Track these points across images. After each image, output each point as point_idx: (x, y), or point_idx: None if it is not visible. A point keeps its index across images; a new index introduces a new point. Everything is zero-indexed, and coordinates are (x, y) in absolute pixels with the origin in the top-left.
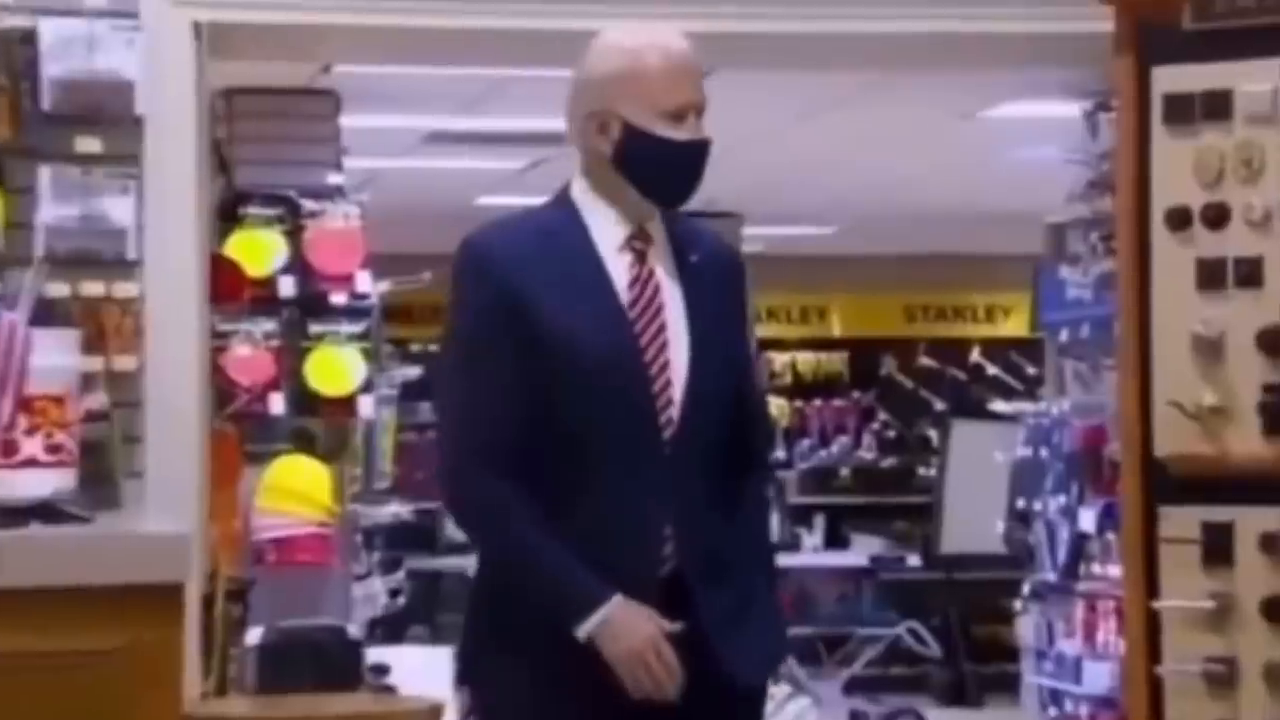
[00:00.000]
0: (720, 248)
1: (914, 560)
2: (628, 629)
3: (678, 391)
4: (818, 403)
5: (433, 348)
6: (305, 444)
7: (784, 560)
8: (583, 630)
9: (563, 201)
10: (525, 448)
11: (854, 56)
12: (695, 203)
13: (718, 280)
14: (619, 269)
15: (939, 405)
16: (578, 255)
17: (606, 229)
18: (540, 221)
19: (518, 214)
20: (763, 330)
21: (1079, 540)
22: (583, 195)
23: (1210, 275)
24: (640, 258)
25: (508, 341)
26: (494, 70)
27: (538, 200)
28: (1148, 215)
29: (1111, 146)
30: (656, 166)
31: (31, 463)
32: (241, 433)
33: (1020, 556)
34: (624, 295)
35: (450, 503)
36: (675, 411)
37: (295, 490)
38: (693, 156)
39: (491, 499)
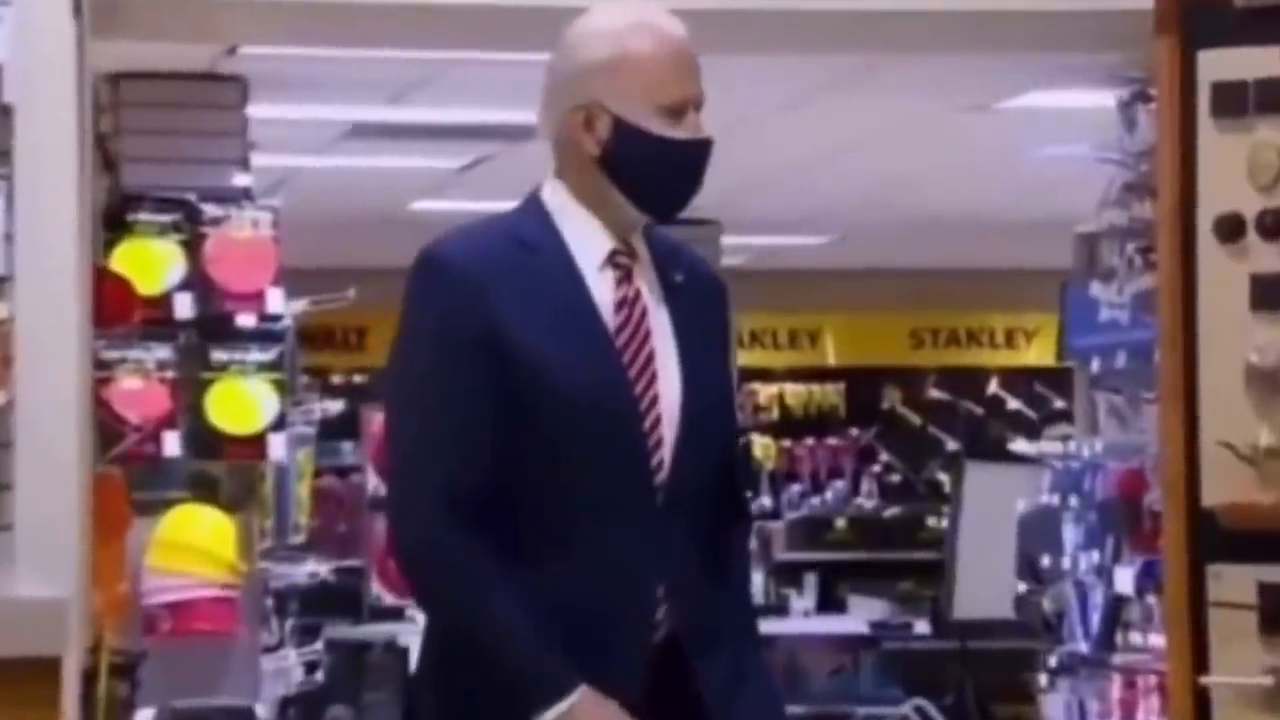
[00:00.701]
0: (702, 266)
1: (922, 627)
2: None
3: (669, 431)
4: (809, 442)
5: (358, 378)
6: (206, 491)
7: (769, 627)
8: (543, 715)
9: (534, 208)
10: (495, 496)
11: (850, 37)
12: None
13: (702, 304)
14: (602, 289)
15: (951, 445)
16: (556, 272)
17: (587, 242)
18: (511, 231)
19: (483, 222)
20: (745, 357)
21: (1115, 604)
22: (559, 202)
23: (1266, 293)
24: (626, 276)
25: (477, 371)
26: (428, 53)
27: (480, 206)
28: (1193, 223)
29: (1151, 143)
30: (651, 170)
31: None
32: (130, 478)
33: (1033, 624)
34: (609, 320)
35: (401, 553)
36: (666, 454)
37: (193, 546)
38: (693, 158)
39: (451, 553)
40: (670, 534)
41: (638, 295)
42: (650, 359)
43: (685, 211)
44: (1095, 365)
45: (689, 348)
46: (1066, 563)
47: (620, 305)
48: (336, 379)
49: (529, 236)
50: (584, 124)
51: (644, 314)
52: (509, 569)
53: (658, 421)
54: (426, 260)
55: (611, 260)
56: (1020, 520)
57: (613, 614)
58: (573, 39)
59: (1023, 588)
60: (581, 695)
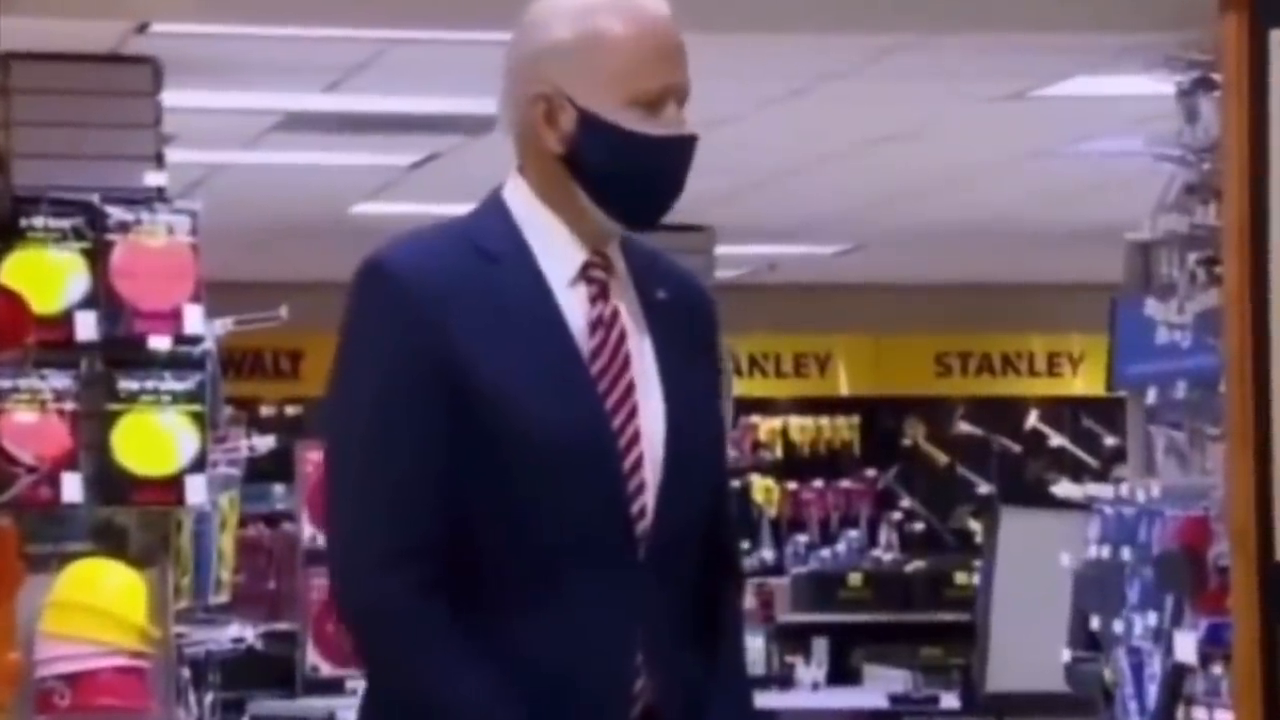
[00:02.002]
0: (688, 280)
1: (950, 701)
2: None
3: (651, 474)
4: (818, 484)
5: (291, 410)
6: (111, 543)
7: (771, 701)
8: None
9: (495, 210)
10: (450, 550)
11: (867, 16)
12: None
13: (688, 325)
14: (574, 307)
15: (983, 488)
16: (521, 287)
17: (556, 252)
18: (469, 237)
19: (438, 226)
20: (743, 386)
21: (1175, 674)
22: (522, 204)
23: None
24: (601, 292)
25: (435, 404)
26: (372, 31)
27: (432, 209)
28: (1265, 230)
29: (1216, 137)
30: (622, 171)
31: None
32: (23, 528)
33: (1091, 698)
34: (582, 344)
35: (345, 614)
36: (649, 500)
37: (96, 607)
38: (673, 159)
39: (402, 615)
40: (652, 592)
41: (615, 315)
42: (630, 390)
43: (671, 217)
44: (1151, 396)
45: (674, 376)
46: (1118, 626)
47: (595, 326)
48: (266, 411)
49: (490, 244)
50: (545, 116)
51: (622, 337)
52: (466, 633)
53: (639, 463)
54: (372, 272)
55: (584, 274)
56: (1076, 574)
57: (585, 684)
58: (535, 16)
59: (1068, 655)
60: None
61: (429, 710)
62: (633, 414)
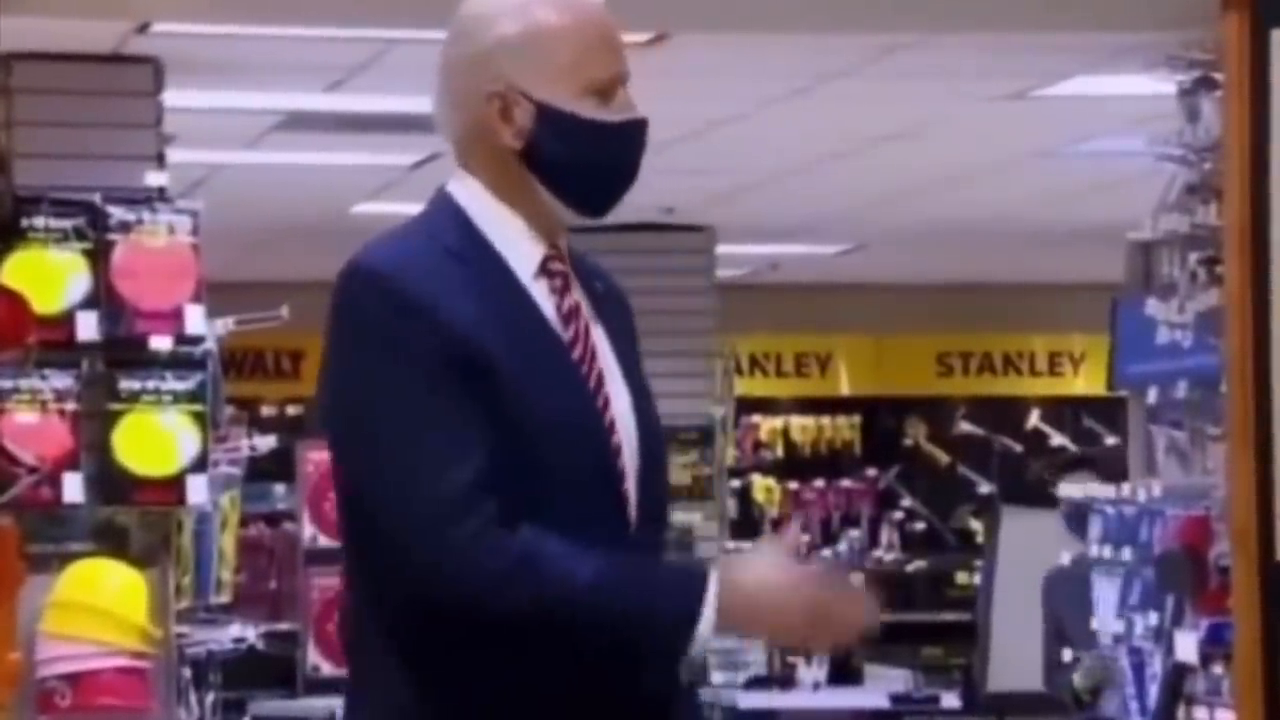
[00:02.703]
0: (610, 275)
1: (951, 701)
2: (760, 584)
3: (630, 460)
4: (819, 484)
5: (292, 410)
6: (113, 543)
7: (773, 701)
8: (706, 619)
9: (448, 212)
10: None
11: (868, 16)
12: (649, 213)
13: (622, 316)
14: (542, 300)
15: (984, 487)
16: (495, 285)
17: (517, 248)
18: (439, 240)
19: (404, 230)
20: (744, 386)
21: (1176, 674)
22: (475, 203)
23: None
24: (564, 285)
25: (469, 392)
26: (374, 31)
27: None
28: (1266, 230)
29: (1217, 136)
30: (584, 160)
31: None
32: (24, 528)
33: (1064, 701)
34: (560, 335)
35: (459, 592)
36: (631, 485)
37: (97, 608)
38: (632, 143)
39: (508, 546)
40: None
41: (579, 307)
42: (602, 379)
43: (672, 217)
44: (1152, 395)
45: (627, 365)
46: (1099, 626)
47: (565, 318)
48: (267, 411)
49: (453, 244)
50: (500, 113)
51: (588, 328)
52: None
53: (619, 449)
54: (369, 278)
55: (544, 268)
56: (1045, 579)
57: (600, 670)
58: (474, 17)
59: (1069, 655)
60: (719, 567)
61: (580, 612)
62: (607, 403)
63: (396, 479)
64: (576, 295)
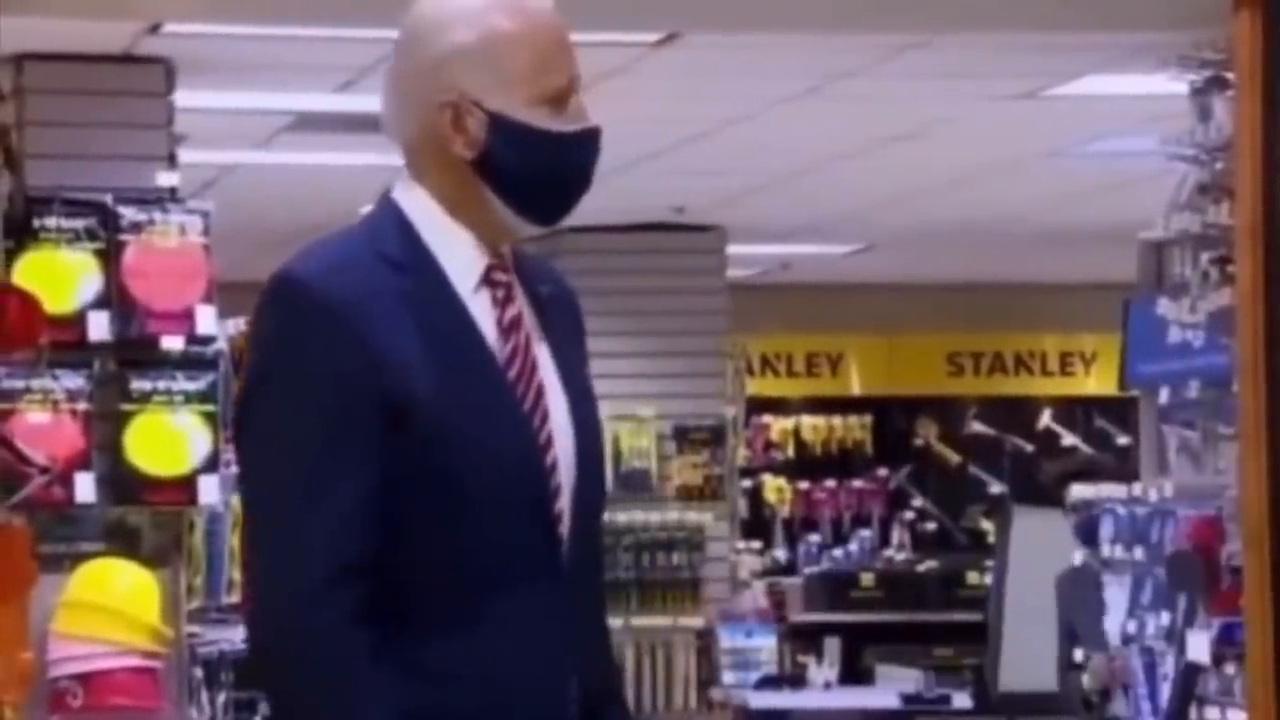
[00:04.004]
0: (558, 275)
1: (962, 701)
2: None
3: (566, 476)
4: (830, 484)
5: None
6: (124, 543)
7: (784, 700)
8: None
9: (391, 219)
10: (378, 568)
11: (879, 15)
12: (659, 214)
13: (568, 320)
14: (482, 313)
15: (995, 487)
16: (431, 296)
17: (460, 259)
18: (372, 247)
19: (340, 237)
20: (755, 386)
21: (1188, 674)
22: (420, 211)
23: None
24: (506, 295)
25: (367, 427)
26: (384, 32)
27: None
28: (1278, 229)
29: (1229, 136)
30: (538, 170)
31: None
32: (36, 528)
33: (1072, 702)
34: (496, 349)
35: (270, 646)
36: (565, 503)
37: (109, 607)
38: (586, 153)
39: (331, 650)
40: (575, 592)
41: (520, 318)
42: (541, 393)
43: (682, 217)
44: (1164, 395)
45: (569, 374)
46: (1108, 627)
47: (506, 331)
48: None
49: (392, 252)
50: (452, 123)
51: (528, 341)
52: (393, 649)
53: (555, 465)
54: (286, 289)
55: (487, 278)
56: (1059, 580)
57: (527, 692)
58: (426, 23)
59: (1080, 656)
60: None
61: None
62: (545, 418)
63: (270, 548)
64: (519, 305)
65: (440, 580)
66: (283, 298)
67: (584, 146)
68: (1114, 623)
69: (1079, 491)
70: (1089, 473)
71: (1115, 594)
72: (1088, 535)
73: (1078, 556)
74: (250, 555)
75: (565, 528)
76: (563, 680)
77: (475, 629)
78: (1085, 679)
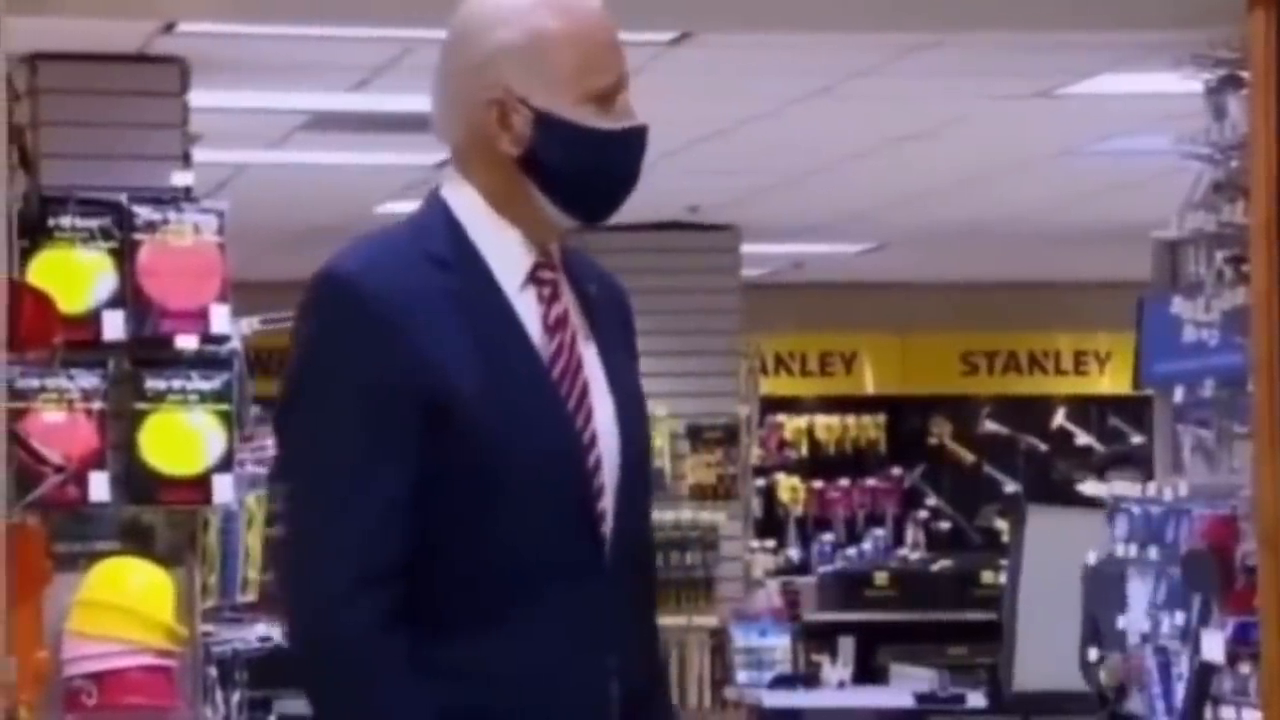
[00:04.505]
0: (607, 274)
1: (977, 700)
2: None
3: (609, 475)
4: (844, 483)
5: None
6: (139, 542)
7: (797, 700)
8: None
9: (440, 217)
10: (414, 568)
11: (892, 14)
12: (673, 213)
13: (616, 319)
14: (528, 310)
15: (1010, 487)
16: (478, 294)
17: (507, 257)
18: (419, 245)
19: (385, 234)
20: (769, 385)
21: (1203, 674)
22: (467, 208)
23: None
24: (552, 293)
25: (409, 428)
26: (399, 31)
27: None
28: None
29: (1244, 134)
30: (584, 168)
31: None
32: (50, 527)
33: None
34: (541, 348)
35: (307, 646)
36: (609, 502)
37: (123, 606)
38: (633, 151)
39: (366, 652)
40: (617, 593)
41: (566, 316)
42: (585, 391)
43: (696, 216)
44: (1178, 394)
45: (616, 373)
46: (1126, 624)
47: (552, 329)
48: None
49: (439, 250)
50: (499, 120)
51: (574, 340)
52: (432, 648)
53: (598, 464)
54: (330, 286)
55: (533, 276)
56: (1085, 574)
57: (567, 693)
58: (474, 22)
59: (1095, 654)
60: None
61: None
62: (589, 417)
63: (306, 548)
64: (565, 303)
65: (481, 578)
66: (326, 295)
67: (630, 144)
68: (1132, 620)
69: (1095, 489)
70: (1120, 461)
71: (1137, 591)
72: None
73: (1091, 556)
74: (287, 555)
75: (608, 528)
76: (604, 680)
77: (515, 628)
78: (1102, 674)
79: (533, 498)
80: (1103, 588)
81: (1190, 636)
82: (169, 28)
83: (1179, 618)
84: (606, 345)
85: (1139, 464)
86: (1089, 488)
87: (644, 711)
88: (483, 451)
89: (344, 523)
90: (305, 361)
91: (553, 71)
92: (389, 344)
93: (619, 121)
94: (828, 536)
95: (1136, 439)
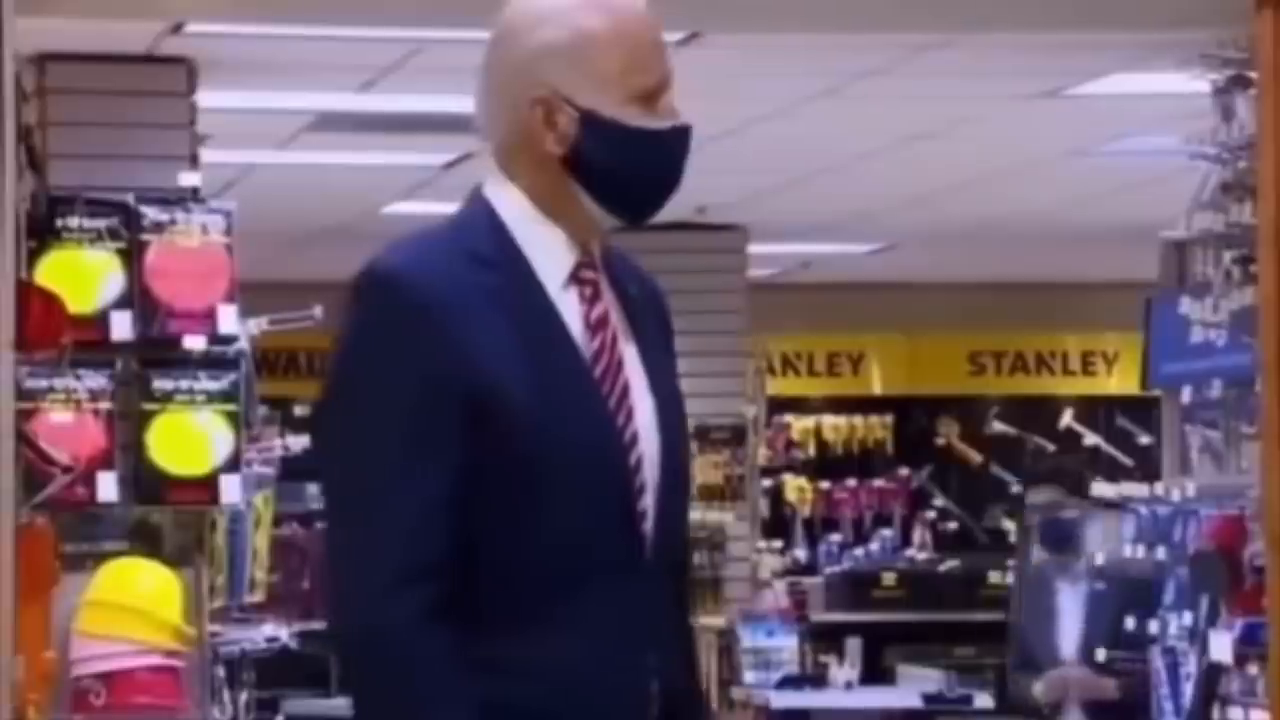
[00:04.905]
0: (647, 275)
1: (984, 701)
2: None
3: (650, 474)
4: (851, 483)
5: None
6: (147, 543)
7: (804, 700)
8: None
9: (482, 216)
10: (457, 564)
11: (901, 15)
12: (680, 212)
13: (656, 320)
14: (569, 310)
15: (1017, 487)
16: (520, 293)
17: (550, 256)
18: (462, 244)
19: (429, 232)
20: (776, 385)
21: (1211, 674)
22: (511, 207)
23: None
24: (594, 293)
25: (454, 423)
26: (406, 31)
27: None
28: None
29: (1252, 135)
30: (628, 168)
31: None
32: (58, 527)
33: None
34: (583, 346)
35: (349, 640)
36: (650, 501)
37: (131, 606)
38: (676, 150)
39: (408, 645)
40: (657, 591)
41: (607, 316)
42: (626, 390)
43: (704, 216)
44: (1186, 394)
45: (656, 373)
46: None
47: (593, 328)
48: (300, 410)
49: (482, 249)
50: (544, 119)
51: (615, 339)
52: (473, 644)
53: (639, 463)
54: (373, 283)
55: (576, 275)
56: (1011, 586)
57: (606, 690)
58: (519, 21)
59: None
60: None
61: None
62: (630, 416)
63: (347, 545)
64: (606, 303)
65: (521, 575)
66: (370, 290)
67: (674, 144)
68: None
69: (1103, 489)
70: (1049, 478)
71: (1067, 601)
72: (1051, 539)
73: (1099, 556)
74: (328, 551)
75: (649, 526)
76: (644, 679)
77: (556, 624)
78: (1038, 689)
79: (574, 495)
80: (1032, 598)
81: (1198, 637)
82: (177, 28)
83: (1187, 618)
84: (646, 345)
85: (1064, 479)
86: (1098, 489)
87: (682, 711)
88: (524, 447)
89: (387, 519)
90: (349, 357)
91: (598, 71)
92: (432, 339)
93: (664, 121)
94: (835, 537)
95: (1144, 439)
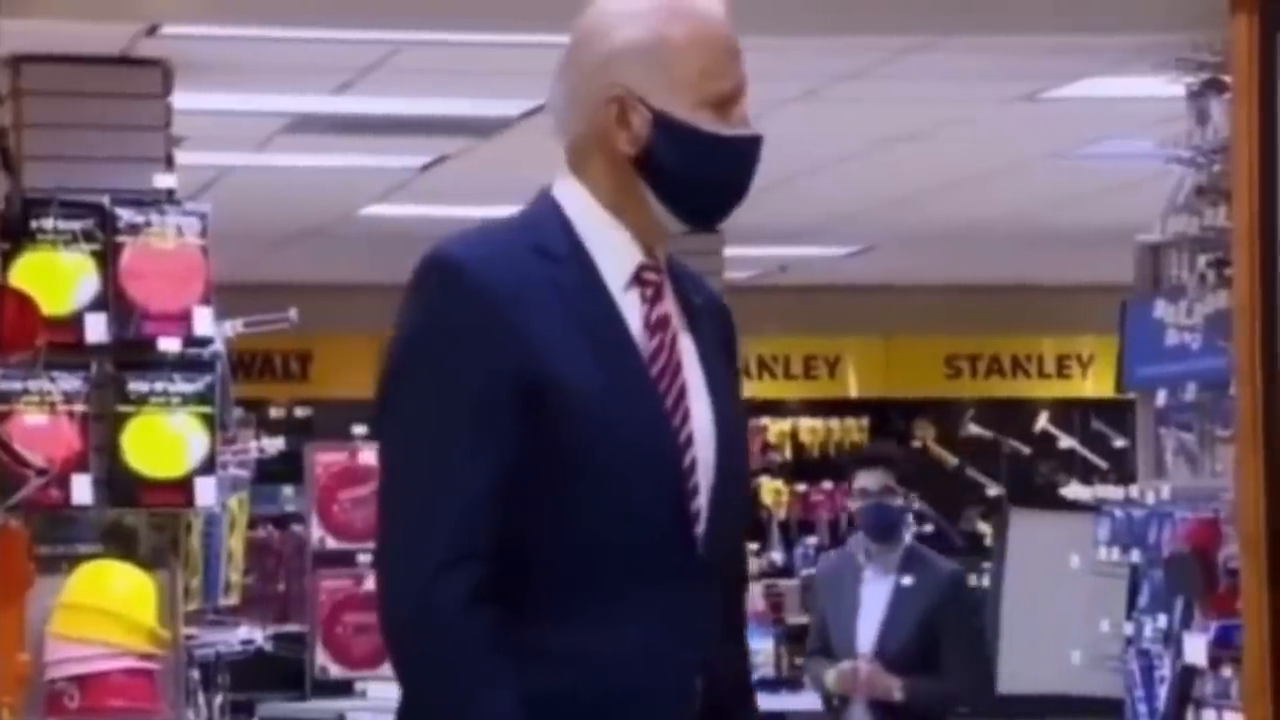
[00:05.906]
0: (711, 288)
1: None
2: None
3: (704, 476)
4: (827, 486)
5: (300, 412)
6: (121, 545)
7: (780, 703)
8: None
9: (550, 213)
10: (504, 555)
11: (879, 18)
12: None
13: (718, 331)
14: (630, 310)
15: (992, 490)
16: (583, 290)
17: (614, 255)
18: (529, 238)
19: (496, 226)
20: (753, 388)
21: (1185, 676)
22: (578, 205)
23: None
24: (656, 295)
25: (510, 416)
26: (383, 33)
27: (443, 211)
28: (1275, 232)
29: (1226, 138)
30: (698, 172)
31: None
32: (32, 530)
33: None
34: (642, 346)
35: (395, 624)
36: (703, 502)
37: (106, 609)
38: (747, 158)
39: (453, 629)
40: (706, 593)
41: (668, 318)
42: (683, 393)
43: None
44: (1161, 398)
45: (714, 380)
46: (1129, 628)
47: (652, 329)
48: (275, 413)
49: (547, 244)
50: (617, 118)
51: (674, 341)
52: (518, 632)
53: (694, 465)
54: (438, 270)
55: (638, 276)
56: (819, 569)
57: (651, 688)
58: (599, 22)
59: (1078, 657)
60: None
61: None
62: (686, 418)
63: (398, 531)
64: (667, 305)
65: (570, 566)
66: (432, 278)
67: (744, 152)
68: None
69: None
70: (871, 462)
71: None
72: (873, 526)
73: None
74: (379, 537)
75: (702, 528)
76: (686, 676)
77: (603, 616)
78: (830, 677)
79: (625, 491)
80: (835, 585)
81: (1173, 640)
82: (152, 30)
83: (1161, 621)
84: (707, 354)
85: (888, 464)
86: (1071, 491)
87: (731, 712)
88: (578, 442)
89: (439, 505)
90: (410, 343)
91: (673, 74)
92: (492, 327)
93: (736, 129)
94: (811, 540)
95: (1119, 442)
